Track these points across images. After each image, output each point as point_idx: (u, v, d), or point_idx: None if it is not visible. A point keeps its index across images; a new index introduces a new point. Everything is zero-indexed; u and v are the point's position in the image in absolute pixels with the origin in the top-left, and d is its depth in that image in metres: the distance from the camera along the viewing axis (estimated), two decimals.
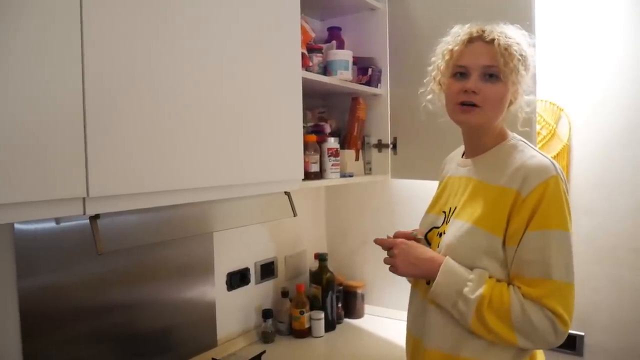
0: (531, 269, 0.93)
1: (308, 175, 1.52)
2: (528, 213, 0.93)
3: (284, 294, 1.84)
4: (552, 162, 0.97)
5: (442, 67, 1.07)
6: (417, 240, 1.11)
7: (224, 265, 1.69)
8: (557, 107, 1.73)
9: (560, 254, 0.93)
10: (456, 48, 1.03)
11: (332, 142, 1.63)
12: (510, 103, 1.04)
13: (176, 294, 1.51)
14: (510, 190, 0.96)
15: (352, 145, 1.80)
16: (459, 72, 1.03)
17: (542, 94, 1.71)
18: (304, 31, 1.53)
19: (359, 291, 2.02)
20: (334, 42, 1.76)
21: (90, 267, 1.27)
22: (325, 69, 1.66)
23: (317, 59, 1.61)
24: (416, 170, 1.79)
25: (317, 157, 1.57)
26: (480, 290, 0.94)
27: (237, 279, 1.74)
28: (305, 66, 1.52)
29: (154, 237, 1.17)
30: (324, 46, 1.70)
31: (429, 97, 1.14)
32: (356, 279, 2.09)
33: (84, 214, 0.86)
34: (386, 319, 1.98)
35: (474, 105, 1.00)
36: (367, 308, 2.05)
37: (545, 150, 1.72)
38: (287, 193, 1.43)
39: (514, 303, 0.92)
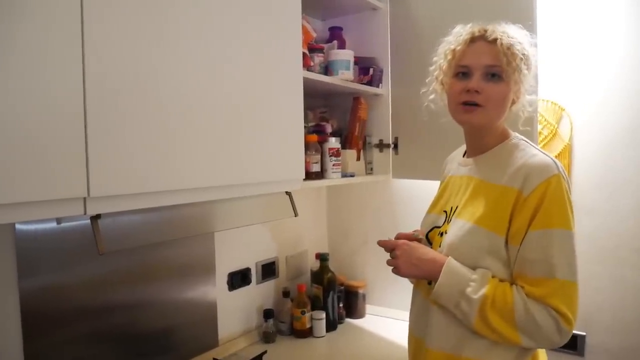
0: (534, 268, 0.93)
1: (309, 175, 1.52)
2: (530, 212, 0.93)
3: (285, 294, 1.84)
4: (554, 160, 0.97)
5: (444, 67, 1.07)
6: (419, 240, 1.11)
7: (225, 265, 1.69)
8: (559, 106, 1.72)
9: (563, 253, 0.92)
10: (458, 48, 1.03)
11: (334, 142, 1.63)
12: (513, 102, 1.04)
13: (177, 294, 1.51)
14: (512, 190, 0.96)
15: (354, 145, 1.80)
16: (461, 71, 1.03)
17: (544, 94, 1.71)
18: (305, 31, 1.53)
19: (360, 291, 2.02)
20: (335, 42, 1.76)
21: (91, 267, 1.27)
22: (327, 69, 1.66)
23: (318, 58, 1.61)
24: (418, 170, 1.79)
25: (318, 157, 1.57)
26: (483, 290, 0.94)
27: (238, 279, 1.74)
28: (307, 66, 1.52)
29: (155, 237, 1.17)
30: (325, 46, 1.70)
31: (431, 97, 1.14)
32: (357, 278, 2.09)
33: (85, 214, 0.86)
34: (387, 319, 1.98)
35: (476, 105, 1.00)
36: (369, 308, 2.05)
37: (546, 150, 1.72)
38: (288, 193, 1.42)
39: (517, 302, 0.92)
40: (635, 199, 1.60)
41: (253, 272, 1.80)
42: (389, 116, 1.85)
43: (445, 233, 1.06)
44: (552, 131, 1.74)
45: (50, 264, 1.18)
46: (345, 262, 2.15)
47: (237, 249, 1.74)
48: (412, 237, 1.12)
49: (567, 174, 0.98)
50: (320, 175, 1.59)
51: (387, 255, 1.10)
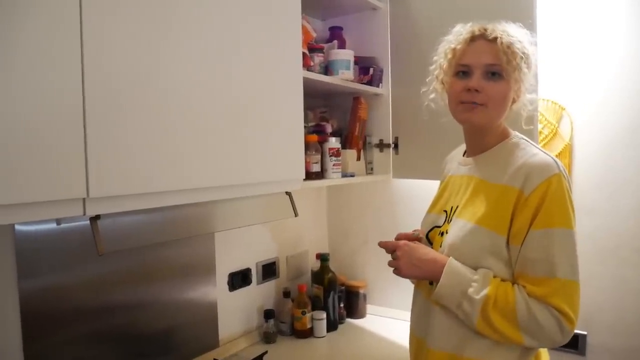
0: (535, 267, 0.93)
1: (309, 175, 1.52)
2: (531, 211, 0.93)
3: (286, 294, 1.83)
4: (554, 160, 0.96)
5: (444, 66, 1.06)
6: (419, 239, 1.11)
7: (225, 265, 1.69)
8: (559, 106, 1.72)
9: (565, 252, 0.92)
10: (458, 47, 1.02)
11: (334, 142, 1.63)
12: (513, 101, 1.04)
13: (178, 295, 1.51)
14: (513, 189, 0.96)
15: (354, 145, 1.80)
16: (461, 70, 1.02)
17: (544, 93, 1.71)
18: (305, 31, 1.53)
19: (361, 291, 2.01)
20: (335, 41, 1.75)
21: (91, 267, 1.27)
22: (327, 69, 1.66)
23: (318, 58, 1.61)
24: (418, 170, 1.79)
25: (319, 157, 1.57)
26: (485, 291, 0.93)
27: (239, 279, 1.73)
28: (307, 66, 1.52)
29: (155, 237, 1.17)
30: (325, 46, 1.70)
31: (432, 96, 1.14)
32: (358, 279, 2.09)
33: (84, 214, 0.86)
34: (388, 319, 1.98)
35: (476, 104, 1.00)
36: (369, 308, 2.05)
37: (547, 149, 1.70)
38: (288, 193, 1.42)
39: (519, 302, 0.92)
40: (636, 199, 1.60)
41: (253, 272, 1.80)
42: (389, 116, 1.85)
43: (446, 233, 1.06)
44: (552, 130, 1.73)
45: (50, 264, 1.18)
46: (345, 262, 2.15)
47: (237, 249, 1.74)
48: (412, 237, 1.12)
49: (567, 173, 0.98)
50: (321, 175, 1.59)
51: (388, 256, 1.09)
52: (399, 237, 1.13)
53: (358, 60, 1.78)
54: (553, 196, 0.92)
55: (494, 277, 0.96)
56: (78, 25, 0.82)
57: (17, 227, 1.12)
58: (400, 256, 1.04)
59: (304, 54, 1.46)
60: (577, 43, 1.67)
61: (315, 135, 1.58)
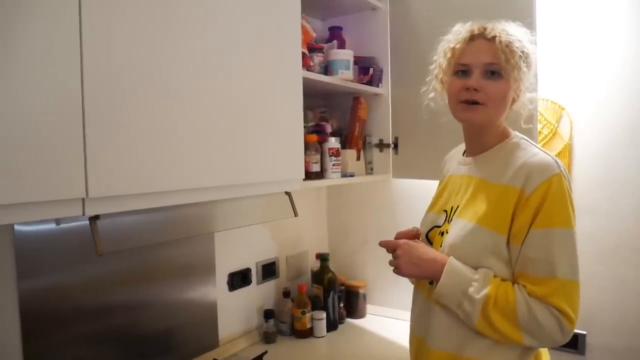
0: (536, 267, 0.93)
1: (309, 175, 1.52)
2: (532, 211, 0.93)
3: (286, 294, 1.83)
4: (555, 159, 0.96)
5: (444, 65, 1.06)
6: (418, 235, 1.11)
7: (225, 265, 1.68)
8: (559, 106, 1.72)
9: (565, 252, 0.92)
10: (458, 46, 1.02)
11: (333, 142, 1.62)
12: (513, 101, 1.04)
13: (177, 295, 1.51)
14: (514, 189, 0.96)
15: (354, 145, 1.80)
16: (460, 70, 1.02)
17: (543, 93, 1.71)
18: (304, 31, 1.53)
19: (361, 291, 2.01)
20: (335, 41, 1.75)
21: (91, 268, 1.26)
22: (326, 69, 1.66)
23: (318, 58, 1.61)
24: (417, 170, 1.79)
25: (318, 157, 1.57)
26: (486, 290, 0.93)
27: (239, 279, 1.73)
28: (306, 66, 1.52)
29: (154, 237, 1.17)
30: (325, 46, 1.69)
31: (431, 95, 1.14)
32: (358, 278, 2.08)
33: (83, 214, 0.85)
34: (388, 318, 1.98)
35: (476, 103, 1.00)
36: (369, 308, 2.05)
37: (546, 149, 1.70)
38: (287, 193, 1.42)
39: (520, 302, 0.92)
40: (636, 199, 1.60)
41: (253, 272, 1.80)
42: (389, 116, 1.84)
43: (446, 233, 1.06)
44: (552, 130, 1.73)
45: (49, 264, 1.18)
46: (345, 262, 2.15)
47: (237, 249, 1.74)
48: (412, 234, 1.12)
49: (568, 173, 0.98)
50: (320, 175, 1.59)
51: (388, 256, 1.09)
52: (399, 236, 1.13)
53: (358, 60, 1.78)
54: (554, 196, 0.92)
55: (494, 276, 0.96)
56: (77, 24, 0.82)
57: (16, 227, 1.12)
58: (401, 255, 1.04)
59: (303, 54, 1.46)
60: (576, 42, 1.67)
61: (315, 135, 1.58)
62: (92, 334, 1.27)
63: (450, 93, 1.05)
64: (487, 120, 1.02)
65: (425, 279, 1.08)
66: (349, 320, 1.99)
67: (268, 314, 1.75)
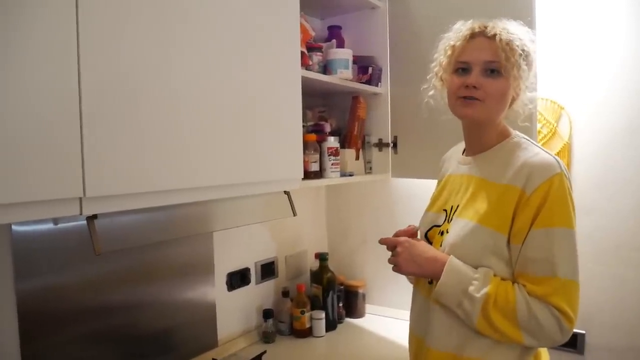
0: (536, 267, 0.93)
1: (308, 175, 1.51)
2: (533, 211, 0.93)
3: (285, 293, 1.83)
4: (556, 159, 0.96)
5: (444, 63, 1.06)
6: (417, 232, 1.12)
7: (224, 265, 1.68)
8: (558, 105, 1.72)
9: (565, 252, 0.92)
10: (458, 44, 1.02)
11: (332, 141, 1.62)
12: (513, 99, 1.03)
13: (176, 295, 1.50)
14: (515, 188, 0.95)
15: (353, 145, 1.80)
16: (460, 67, 1.02)
17: (543, 92, 1.70)
18: (303, 30, 1.52)
19: (360, 291, 2.01)
20: (334, 40, 1.75)
21: (89, 267, 1.26)
22: (325, 68, 1.65)
23: (317, 57, 1.60)
24: (417, 170, 1.78)
25: (317, 156, 1.56)
26: (486, 289, 0.93)
27: (238, 279, 1.73)
28: (305, 65, 1.51)
29: (152, 237, 1.16)
30: (324, 45, 1.69)
31: (431, 93, 1.14)
32: (357, 278, 2.08)
33: (81, 214, 0.85)
34: (387, 318, 1.98)
35: (475, 99, 0.99)
36: (368, 307, 2.04)
37: (546, 148, 1.71)
38: (286, 192, 1.42)
39: (520, 301, 0.92)
40: (636, 199, 1.59)
41: (252, 272, 1.80)
42: (388, 115, 1.84)
43: (446, 232, 1.05)
44: (551, 130, 1.73)
45: (47, 264, 1.17)
46: (344, 261, 2.15)
47: (236, 248, 1.73)
48: (412, 232, 1.12)
49: (568, 172, 0.98)
50: (319, 174, 1.59)
51: (387, 255, 1.09)
52: (399, 234, 1.12)
53: (357, 60, 1.78)
54: (555, 196, 0.92)
55: (494, 276, 0.96)
56: (74, 23, 0.81)
57: (14, 227, 1.11)
58: (401, 252, 1.04)
59: (302, 53, 1.46)
60: (576, 42, 1.67)
61: (313, 135, 1.57)
62: (90, 334, 1.27)
63: (450, 90, 1.05)
64: (485, 117, 1.02)
65: (425, 278, 1.08)
66: (348, 319, 1.98)
67: (267, 314, 1.74)
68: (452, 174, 1.15)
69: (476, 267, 0.97)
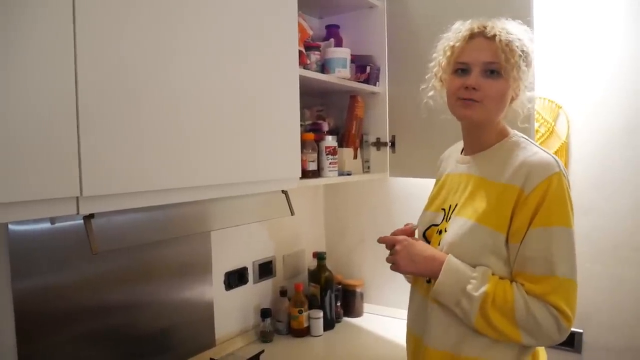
0: (534, 265, 0.93)
1: (306, 174, 1.51)
2: (531, 210, 0.93)
3: (283, 293, 1.83)
4: (554, 158, 0.96)
5: (443, 64, 1.06)
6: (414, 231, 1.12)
7: (221, 264, 1.68)
8: (556, 104, 1.72)
9: (564, 251, 0.92)
10: (457, 44, 1.02)
11: (330, 141, 1.62)
12: (512, 99, 1.03)
13: (173, 294, 1.50)
14: (514, 187, 0.96)
15: (351, 144, 1.79)
16: (460, 68, 1.02)
17: (540, 91, 1.71)
18: (301, 29, 1.52)
19: (358, 290, 2.01)
20: (332, 39, 1.75)
21: (86, 267, 1.26)
22: (323, 67, 1.65)
23: (314, 56, 1.60)
24: (414, 169, 1.78)
25: (315, 155, 1.56)
26: (484, 288, 0.93)
27: (235, 278, 1.73)
28: (303, 64, 1.51)
29: (150, 236, 1.16)
30: (322, 44, 1.69)
31: (431, 93, 1.13)
32: (355, 277, 2.08)
33: (78, 213, 0.85)
34: (385, 317, 1.98)
35: (474, 100, 0.99)
36: (366, 307, 2.04)
37: (543, 147, 1.72)
38: (284, 192, 1.42)
39: (518, 300, 0.92)
40: (633, 199, 1.60)
41: (250, 271, 1.79)
42: (386, 114, 1.84)
43: (445, 231, 1.05)
44: (549, 129, 1.73)
45: (44, 264, 1.17)
46: (342, 260, 2.15)
47: (233, 248, 1.73)
48: (410, 231, 1.13)
49: (567, 172, 0.98)
50: (317, 173, 1.59)
51: (385, 253, 1.09)
52: (396, 234, 1.12)
53: (355, 59, 1.78)
54: (553, 195, 0.92)
55: (493, 274, 0.96)
56: (71, 22, 0.81)
57: (10, 226, 1.11)
58: (399, 250, 1.04)
59: (300, 52, 1.45)
60: (574, 41, 1.67)
61: (311, 134, 1.57)
62: (87, 334, 1.26)
63: (449, 91, 1.05)
64: (485, 118, 1.02)
65: (423, 277, 1.08)
66: (346, 319, 1.98)
67: (265, 313, 1.74)
68: (451, 173, 1.15)
69: (474, 266, 0.97)
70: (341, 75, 1.65)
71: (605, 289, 1.64)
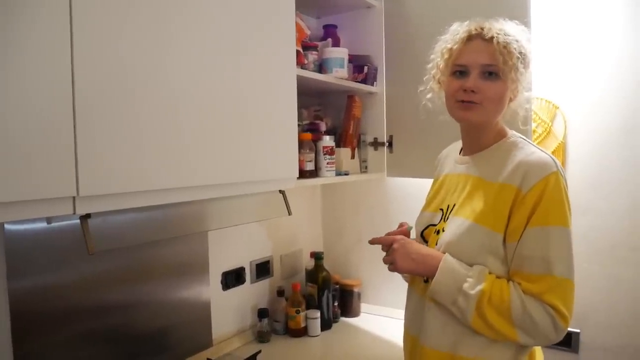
0: (531, 265, 0.93)
1: (303, 174, 1.51)
2: (528, 209, 0.93)
3: (280, 293, 1.83)
4: (552, 158, 0.97)
5: (441, 66, 1.06)
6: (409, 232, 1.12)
7: (219, 264, 1.68)
8: (553, 105, 1.72)
9: (561, 250, 0.92)
10: (455, 46, 1.02)
11: (328, 140, 1.62)
12: (510, 100, 1.04)
13: (171, 294, 1.49)
14: (511, 187, 0.96)
15: (348, 144, 1.79)
16: (458, 70, 1.02)
17: (537, 92, 1.70)
18: (299, 29, 1.52)
19: (355, 290, 2.01)
20: (329, 39, 1.75)
21: (83, 267, 1.25)
22: (321, 67, 1.65)
23: (312, 56, 1.60)
24: (412, 169, 1.78)
25: (313, 155, 1.56)
26: (481, 287, 0.93)
27: (233, 278, 1.72)
28: (301, 64, 1.51)
29: (146, 236, 1.16)
30: (320, 44, 1.69)
31: (429, 95, 1.13)
32: (352, 277, 2.08)
33: (74, 213, 0.84)
34: (383, 317, 1.98)
35: (473, 102, 0.99)
36: (364, 307, 2.04)
37: (541, 147, 1.72)
38: (282, 192, 1.42)
39: (514, 299, 0.92)
40: (631, 199, 1.60)
41: (247, 271, 1.79)
42: (384, 114, 1.84)
43: (442, 231, 1.05)
44: (546, 129, 1.73)
45: (40, 264, 1.17)
46: (340, 260, 2.15)
47: (231, 248, 1.73)
48: (405, 232, 1.13)
49: (564, 172, 0.98)
50: (315, 173, 1.59)
51: (382, 254, 1.09)
52: (391, 234, 1.13)
53: (352, 59, 1.78)
54: (550, 194, 0.93)
55: (489, 273, 0.96)
56: (68, 22, 0.81)
57: (6, 226, 1.10)
58: (397, 248, 1.04)
59: (297, 51, 1.45)
60: (572, 41, 1.67)
61: (309, 134, 1.57)
62: (84, 334, 1.26)
63: (448, 93, 1.05)
64: (484, 119, 1.02)
65: (420, 276, 1.08)
66: (343, 319, 1.98)
67: (262, 313, 1.74)
68: (449, 173, 1.15)
69: (472, 266, 0.97)
70: (339, 75, 1.65)
71: (603, 288, 1.65)
